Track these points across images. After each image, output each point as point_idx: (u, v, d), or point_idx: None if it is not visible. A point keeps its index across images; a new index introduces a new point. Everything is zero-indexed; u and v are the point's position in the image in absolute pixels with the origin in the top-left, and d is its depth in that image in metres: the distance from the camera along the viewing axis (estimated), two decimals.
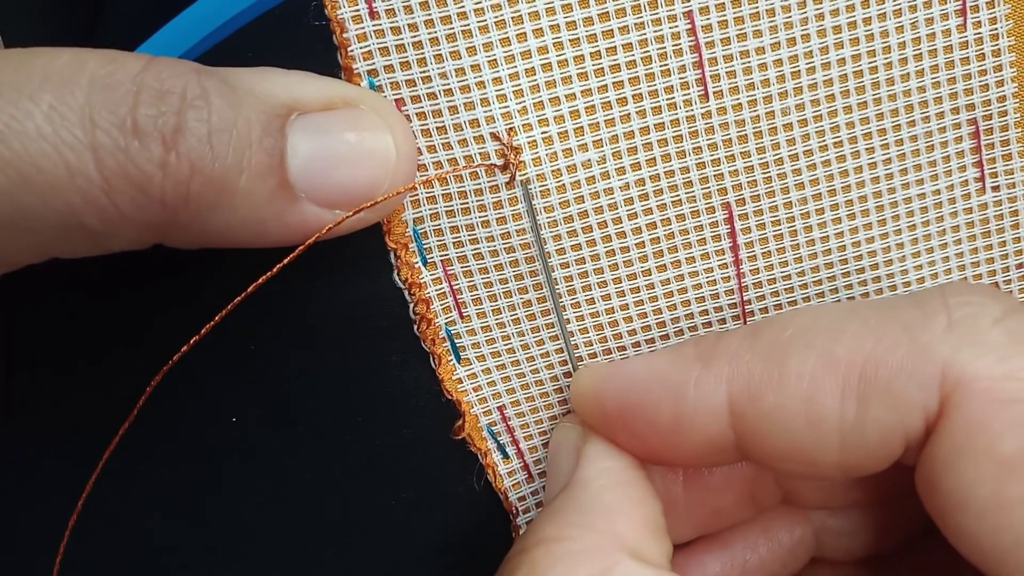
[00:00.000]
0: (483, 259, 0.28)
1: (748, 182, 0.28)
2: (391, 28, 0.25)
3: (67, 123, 0.20)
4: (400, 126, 0.25)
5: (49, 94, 0.20)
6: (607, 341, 0.29)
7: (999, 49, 0.28)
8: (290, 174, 0.23)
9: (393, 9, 0.25)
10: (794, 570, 0.30)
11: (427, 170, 0.27)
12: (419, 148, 0.26)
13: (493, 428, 0.30)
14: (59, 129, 0.20)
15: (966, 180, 0.29)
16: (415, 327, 0.28)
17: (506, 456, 0.30)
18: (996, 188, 0.29)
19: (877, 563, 0.30)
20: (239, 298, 0.24)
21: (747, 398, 0.24)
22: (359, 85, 0.26)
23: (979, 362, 0.23)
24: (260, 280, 0.24)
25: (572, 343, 0.29)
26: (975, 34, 0.27)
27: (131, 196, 0.21)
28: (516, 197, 0.27)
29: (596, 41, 0.26)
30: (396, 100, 0.26)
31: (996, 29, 0.27)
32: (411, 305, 0.28)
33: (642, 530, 0.25)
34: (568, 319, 0.29)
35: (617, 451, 0.27)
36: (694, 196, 0.28)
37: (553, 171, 0.27)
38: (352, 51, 0.25)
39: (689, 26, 0.26)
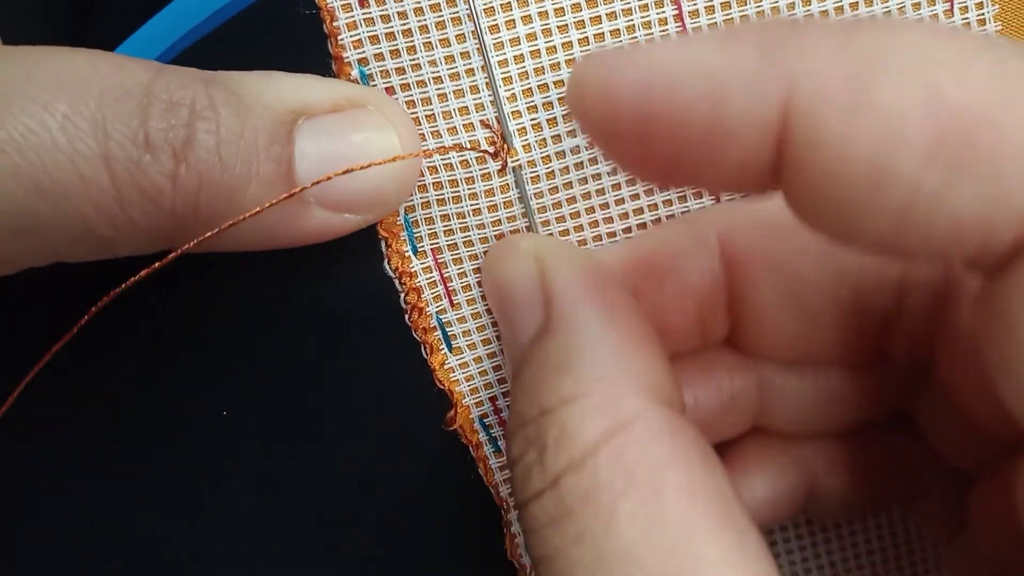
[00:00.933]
0: (473, 246, 0.28)
1: None
2: (380, 16, 0.25)
3: (81, 134, 0.21)
4: (405, 125, 0.25)
5: (63, 103, 0.21)
6: None
7: (984, 18, 0.28)
8: (298, 180, 0.23)
9: None
10: (733, 425, 0.28)
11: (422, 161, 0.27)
12: None
13: (485, 420, 0.29)
14: (73, 140, 0.21)
15: None
16: (406, 316, 0.28)
17: (498, 450, 0.30)
18: None
19: (836, 443, 0.28)
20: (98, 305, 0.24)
21: (806, 111, 0.18)
22: (350, 74, 0.26)
23: None
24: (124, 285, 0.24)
25: None
26: (962, 19, 0.28)
27: (142, 206, 0.21)
28: (507, 185, 0.27)
29: (584, 28, 0.26)
30: (386, 88, 0.26)
31: (983, 14, 0.28)
32: (402, 294, 0.28)
33: (654, 361, 0.23)
34: None
35: (588, 268, 0.24)
36: None
37: (543, 157, 0.27)
38: (342, 40, 0.26)
39: (676, 11, 0.26)
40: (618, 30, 0.26)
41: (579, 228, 0.28)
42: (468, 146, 0.26)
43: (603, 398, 0.22)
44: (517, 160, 0.27)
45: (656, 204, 0.28)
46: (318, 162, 0.23)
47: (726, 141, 0.19)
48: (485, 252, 0.28)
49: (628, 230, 0.28)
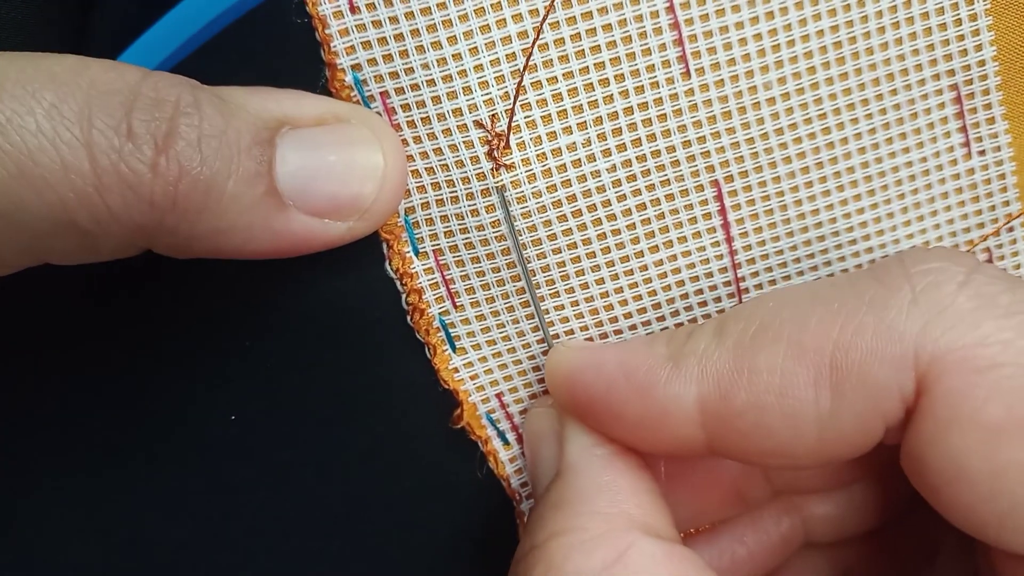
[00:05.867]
0: (474, 248, 0.28)
1: (735, 158, 0.28)
2: (372, 22, 0.25)
3: (66, 121, 0.21)
4: (390, 140, 0.25)
5: (51, 93, 0.21)
6: (603, 325, 0.29)
7: (975, 13, 0.28)
8: (278, 182, 0.23)
9: (373, 3, 0.25)
10: (785, 557, 0.30)
11: (415, 163, 0.27)
12: (405, 140, 0.26)
13: (492, 415, 0.30)
14: (57, 127, 0.21)
15: (951, 146, 0.29)
16: (408, 317, 0.28)
17: (506, 443, 0.30)
18: (982, 152, 0.29)
19: (866, 539, 0.30)
20: None
21: (718, 397, 0.24)
22: (344, 80, 0.26)
23: (950, 334, 0.23)
24: None
25: (567, 328, 0.29)
26: (953, 15, 0.28)
27: (121, 194, 0.22)
28: (504, 184, 0.27)
29: (575, 24, 0.26)
30: (380, 93, 0.26)
31: (974, 9, 0.28)
32: (403, 295, 0.28)
33: (648, 503, 0.25)
34: (563, 305, 0.29)
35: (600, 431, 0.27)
36: (682, 175, 0.28)
37: (538, 155, 0.27)
38: (335, 47, 0.26)
39: (668, 4, 0.26)
40: (609, 25, 0.26)
41: (582, 226, 0.28)
42: (463, 147, 0.26)
43: (598, 531, 0.23)
44: (511, 159, 0.27)
45: (658, 199, 0.28)
46: (299, 169, 0.24)
47: (658, 425, 0.25)
48: (488, 255, 0.28)
49: (631, 225, 0.28)
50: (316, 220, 0.24)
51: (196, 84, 0.23)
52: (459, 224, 0.27)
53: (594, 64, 0.27)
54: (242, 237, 0.24)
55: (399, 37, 0.26)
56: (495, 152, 0.27)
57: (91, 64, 0.22)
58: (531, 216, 0.27)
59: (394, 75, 0.26)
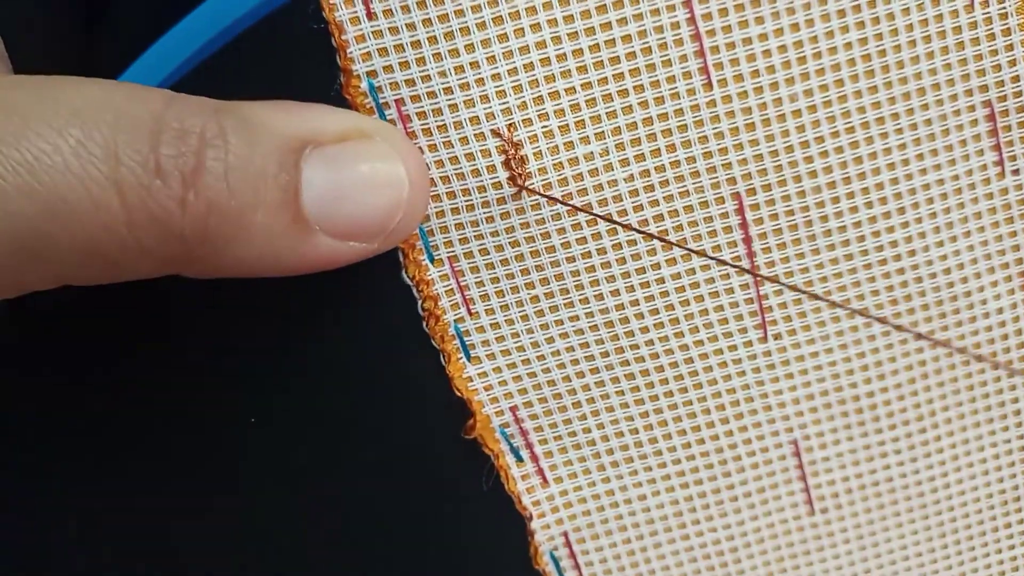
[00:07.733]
0: (489, 255, 0.28)
1: (758, 171, 0.27)
2: (389, 28, 0.26)
3: (93, 159, 0.21)
4: (413, 156, 0.25)
5: (76, 129, 0.21)
6: (619, 340, 0.29)
7: (1008, 28, 0.27)
8: (304, 208, 0.24)
9: (390, 9, 0.25)
10: None
11: (430, 171, 0.27)
12: (420, 148, 0.26)
13: (506, 430, 0.29)
14: (86, 164, 0.21)
15: (985, 164, 0.28)
16: (423, 324, 0.28)
17: (520, 459, 0.30)
18: (1016, 172, 0.28)
19: None
20: None
21: None
22: (359, 87, 0.26)
23: None
24: None
25: (582, 340, 0.29)
26: (983, 14, 0.27)
27: (152, 231, 0.22)
28: (518, 192, 0.27)
29: (594, 34, 0.26)
30: (396, 100, 0.26)
31: (1004, 8, 0.27)
32: (419, 302, 0.28)
33: None
34: (577, 316, 0.28)
35: None
36: (702, 187, 0.27)
37: (555, 164, 0.27)
38: (351, 53, 0.26)
39: (688, 15, 0.26)
40: (629, 35, 0.26)
41: (597, 236, 0.27)
42: (479, 155, 0.26)
43: None
44: (528, 168, 0.27)
45: (676, 211, 0.28)
46: (325, 192, 0.24)
47: None
48: (503, 261, 0.28)
49: (648, 238, 0.28)
50: (342, 243, 0.25)
51: (220, 107, 0.23)
52: (474, 231, 0.27)
53: (613, 75, 0.26)
54: (269, 263, 0.24)
55: (416, 44, 0.26)
56: (512, 161, 0.26)
57: (114, 93, 0.22)
58: (545, 224, 0.27)
59: (410, 82, 0.26)
